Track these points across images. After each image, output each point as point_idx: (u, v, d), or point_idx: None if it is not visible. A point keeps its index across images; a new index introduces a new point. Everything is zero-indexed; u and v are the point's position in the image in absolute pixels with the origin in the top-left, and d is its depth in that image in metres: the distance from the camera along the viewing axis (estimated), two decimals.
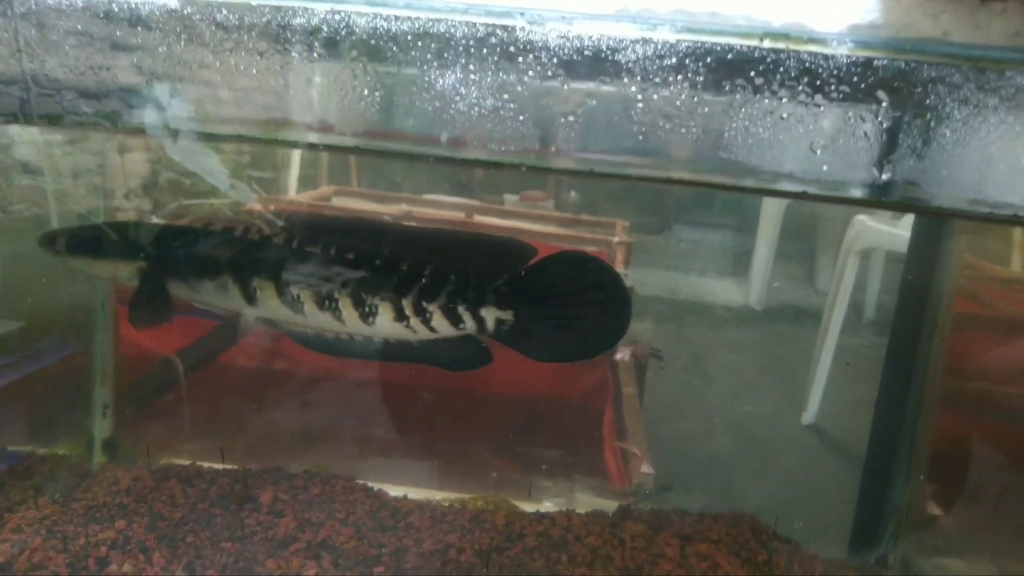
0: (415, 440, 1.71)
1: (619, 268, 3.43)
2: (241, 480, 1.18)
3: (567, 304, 0.91)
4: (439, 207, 3.10)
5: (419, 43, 0.57)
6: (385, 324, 0.93)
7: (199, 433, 1.54)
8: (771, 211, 4.27)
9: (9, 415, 1.24)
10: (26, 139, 1.32)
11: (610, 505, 1.36)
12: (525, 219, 3.39)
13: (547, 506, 1.32)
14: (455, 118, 0.58)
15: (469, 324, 0.91)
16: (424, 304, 0.92)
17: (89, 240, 1.00)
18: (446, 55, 0.57)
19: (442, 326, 0.92)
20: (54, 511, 1.07)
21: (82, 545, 1.00)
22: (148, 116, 0.68)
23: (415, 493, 1.22)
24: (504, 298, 0.90)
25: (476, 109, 0.57)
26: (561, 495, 1.50)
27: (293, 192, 2.84)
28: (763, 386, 3.55)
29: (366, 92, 0.58)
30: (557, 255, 0.94)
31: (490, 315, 0.90)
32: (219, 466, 1.25)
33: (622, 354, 2.32)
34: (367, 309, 0.93)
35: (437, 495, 1.24)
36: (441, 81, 0.57)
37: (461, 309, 0.90)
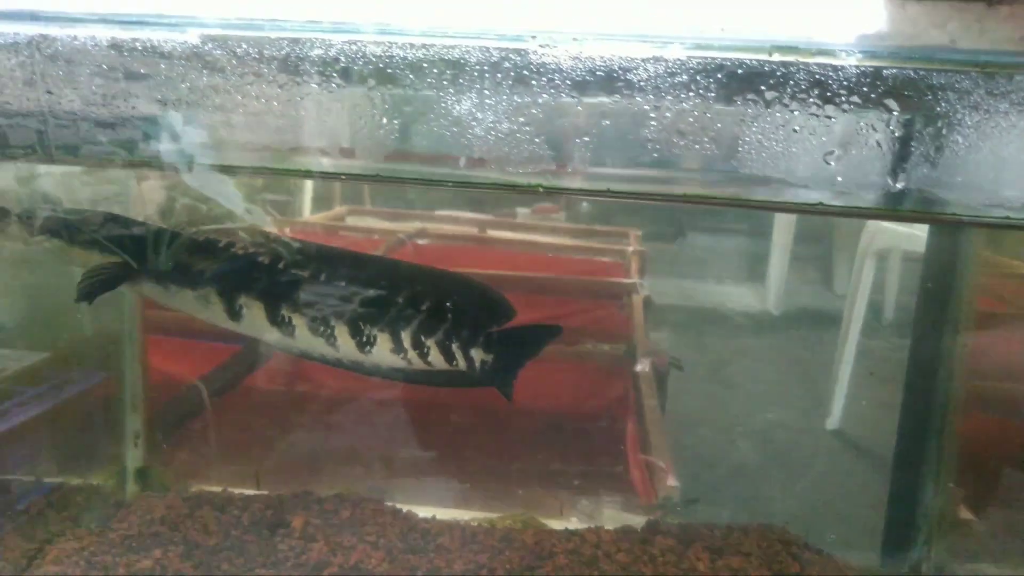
0: (439, 459, 1.72)
1: (635, 278, 3.43)
2: (273, 505, 1.18)
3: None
4: (452, 223, 3.11)
5: (434, 70, 0.58)
6: (383, 354, 0.98)
7: (227, 459, 1.55)
8: (785, 215, 4.27)
9: (40, 445, 1.25)
10: (45, 171, 1.35)
11: (638, 520, 1.35)
12: (538, 232, 3.39)
13: (575, 523, 1.32)
14: (472, 142, 0.59)
15: (460, 362, 0.98)
16: (422, 339, 0.96)
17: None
18: (461, 80, 0.58)
19: (437, 361, 0.98)
20: (92, 541, 1.08)
21: (121, 575, 1.02)
22: (164, 145, 0.70)
23: (442, 513, 1.22)
24: (490, 343, 0.99)
25: (492, 133, 0.58)
26: (587, 511, 1.50)
27: (307, 214, 2.86)
28: (785, 392, 3.53)
29: (384, 120, 0.59)
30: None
31: (478, 356, 0.98)
32: (250, 492, 1.26)
33: (642, 365, 2.31)
34: (365, 339, 0.97)
35: (465, 515, 1.24)
36: (457, 107, 0.59)
37: (455, 347, 0.97)
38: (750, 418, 3.22)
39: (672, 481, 1.57)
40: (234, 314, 0.94)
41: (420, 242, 3.24)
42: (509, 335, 0.99)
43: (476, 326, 0.97)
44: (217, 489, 1.28)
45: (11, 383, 1.25)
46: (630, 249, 3.41)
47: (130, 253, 0.95)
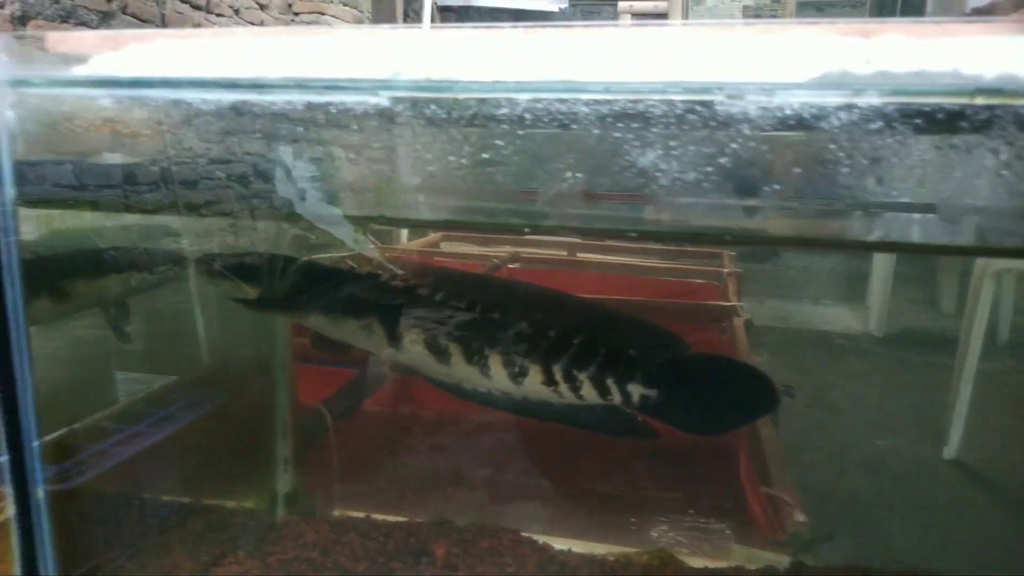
0: (566, 488, 1.72)
1: (732, 299, 3.35)
2: (414, 533, 1.21)
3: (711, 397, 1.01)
4: (543, 246, 3.12)
5: (619, 123, 0.59)
6: (534, 386, 0.99)
7: (360, 483, 1.60)
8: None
9: (188, 466, 1.32)
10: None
11: (767, 556, 1.31)
12: (629, 253, 3.37)
13: (707, 560, 1.29)
14: (657, 193, 0.59)
15: (616, 397, 0.97)
16: (575, 372, 0.97)
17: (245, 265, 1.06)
18: (646, 134, 0.59)
19: (590, 395, 0.98)
20: (253, 566, 1.13)
21: None
22: (279, 184, 0.74)
23: (577, 546, 1.22)
24: (650, 377, 0.97)
25: (678, 183, 0.59)
26: (713, 545, 1.47)
27: (404, 240, 2.94)
28: (895, 418, 3.38)
29: (569, 174, 0.61)
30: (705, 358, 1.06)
31: (636, 391, 0.96)
32: (391, 519, 1.30)
33: None
34: (517, 369, 0.98)
35: (599, 548, 1.24)
36: (642, 158, 0.59)
37: (610, 381, 0.96)
38: (860, 445, 3.09)
39: (800, 516, 1.52)
40: (395, 343, 0.98)
41: (512, 266, 3.27)
42: (676, 367, 0.97)
43: (635, 359, 0.96)
44: (360, 515, 1.33)
45: (143, 405, 1.33)
46: (725, 270, 3.33)
47: (302, 288, 1.01)
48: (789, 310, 4.70)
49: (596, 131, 0.60)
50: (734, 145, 0.56)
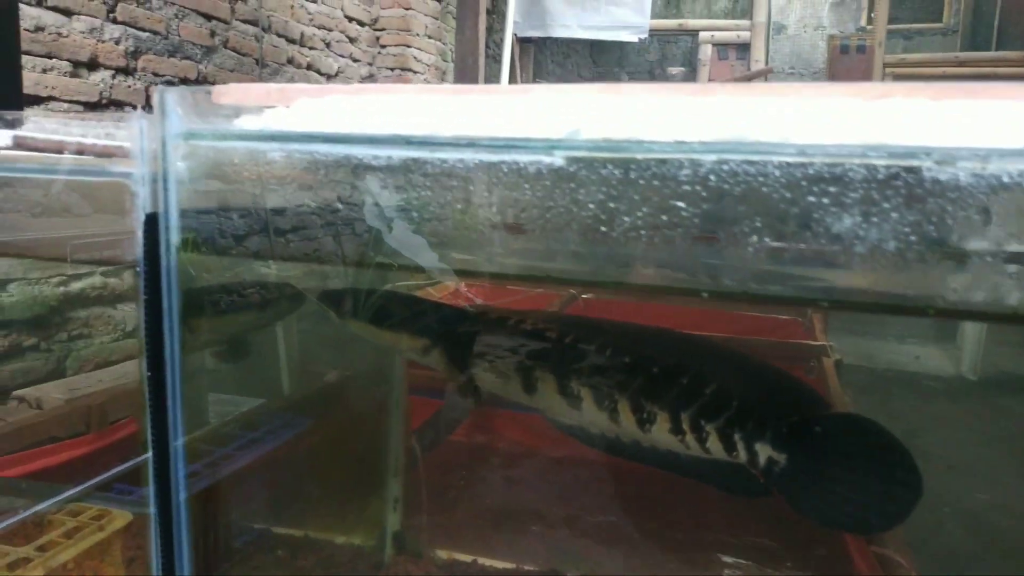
0: (656, 535, 1.68)
1: (819, 337, 3.23)
2: None
3: (843, 466, 0.87)
4: (602, 291, 3.08)
5: (814, 187, 0.57)
6: (660, 434, 0.95)
7: (450, 519, 1.59)
8: None
9: (305, 498, 1.33)
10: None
11: None
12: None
13: None
14: (851, 260, 0.57)
15: (742, 454, 0.90)
16: (702, 423, 0.92)
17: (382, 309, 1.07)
18: (843, 199, 0.56)
19: (716, 448, 0.92)
20: None
21: None
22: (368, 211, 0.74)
23: None
24: (781, 439, 0.88)
25: (878, 252, 0.56)
26: None
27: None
28: (995, 469, 3.19)
29: (755, 238, 0.59)
30: (845, 417, 0.97)
31: (764, 452, 0.89)
32: (499, 564, 1.28)
33: None
34: (645, 415, 0.95)
35: None
36: (837, 224, 0.57)
37: (737, 437, 0.90)
38: (958, 497, 2.93)
39: None
40: (529, 387, 0.98)
41: (586, 296, 3.24)
42: (809, 427, 0.87)
43: (765, 416, 0.88)
44: (467, 559, 1.31)
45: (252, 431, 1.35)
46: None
47: (435, 333, 1.02)
48: (873, 348, 4.53)
49: (788, 194, 0.57)
50: (944, 213, 0.53)
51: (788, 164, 0.57)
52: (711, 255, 0.62)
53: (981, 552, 2.51)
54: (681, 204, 0.59)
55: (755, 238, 0.58)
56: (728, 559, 1.79)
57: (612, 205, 0.63)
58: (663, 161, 0.60)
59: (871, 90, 0.56)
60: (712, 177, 0.58)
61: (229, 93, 0.80)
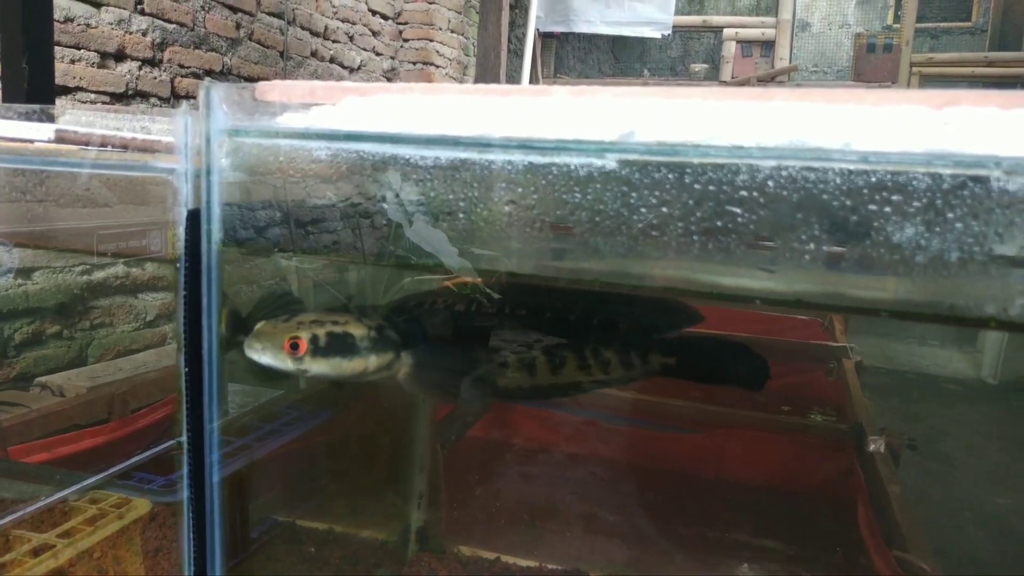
0: (675, 535, 1.67)
1: (839, 338, 3.21)
2: None
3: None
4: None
5: (876, 195, 0.56)
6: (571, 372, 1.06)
7: (474, 518, 1.59)
8: None
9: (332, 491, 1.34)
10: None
11: None
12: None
13: None
14: (912, 270, 0.56)
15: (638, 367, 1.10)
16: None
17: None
18: (906, 208, 0.55)
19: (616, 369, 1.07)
20: None
21: None
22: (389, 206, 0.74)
23: None
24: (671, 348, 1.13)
25: (939, 263, 0.55)
26: None
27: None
28: (1016, 474, 3.16)
29: (812, 246, 0.58)
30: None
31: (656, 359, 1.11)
32: (522, 562, 1.28)
33: (875, 444, 2.13)
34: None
35: None
36: (899, 234, 0.56)
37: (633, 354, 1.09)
38: (978, 501, 2.91)
39: None
40: (555, 369, 1.04)
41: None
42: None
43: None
44: (490, 556, 1.31)
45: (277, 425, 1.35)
46: None
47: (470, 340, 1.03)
48: (892, 350, 4.49)
49: (848, 202, 0.56)
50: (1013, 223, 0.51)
51: (849, 171, 0.56)
52: (762, 261, 0.62)
53: (1002, 557, 2.49)
54: (737, 209, 0.58)
55: (812, 246, 0.57)
56: (746, 561, 1.78)
57: (665, 211, 0.62)
58: (719, 166, 0.59)
59: (937, 97, 0.55)
60: (770, 183, 0.57)
61: (274, 90, 0.80)
